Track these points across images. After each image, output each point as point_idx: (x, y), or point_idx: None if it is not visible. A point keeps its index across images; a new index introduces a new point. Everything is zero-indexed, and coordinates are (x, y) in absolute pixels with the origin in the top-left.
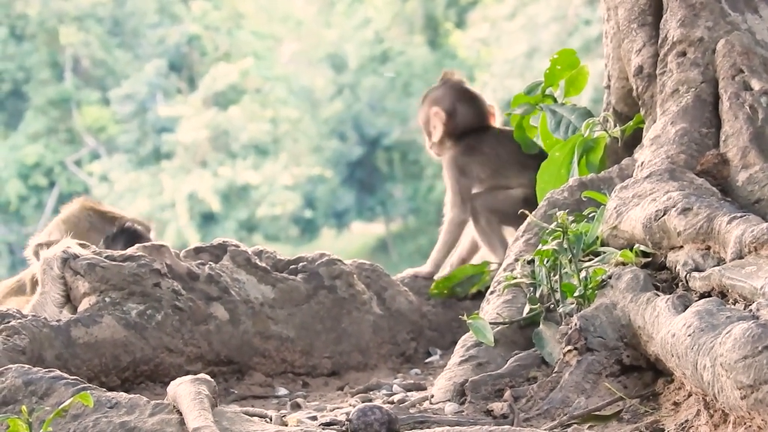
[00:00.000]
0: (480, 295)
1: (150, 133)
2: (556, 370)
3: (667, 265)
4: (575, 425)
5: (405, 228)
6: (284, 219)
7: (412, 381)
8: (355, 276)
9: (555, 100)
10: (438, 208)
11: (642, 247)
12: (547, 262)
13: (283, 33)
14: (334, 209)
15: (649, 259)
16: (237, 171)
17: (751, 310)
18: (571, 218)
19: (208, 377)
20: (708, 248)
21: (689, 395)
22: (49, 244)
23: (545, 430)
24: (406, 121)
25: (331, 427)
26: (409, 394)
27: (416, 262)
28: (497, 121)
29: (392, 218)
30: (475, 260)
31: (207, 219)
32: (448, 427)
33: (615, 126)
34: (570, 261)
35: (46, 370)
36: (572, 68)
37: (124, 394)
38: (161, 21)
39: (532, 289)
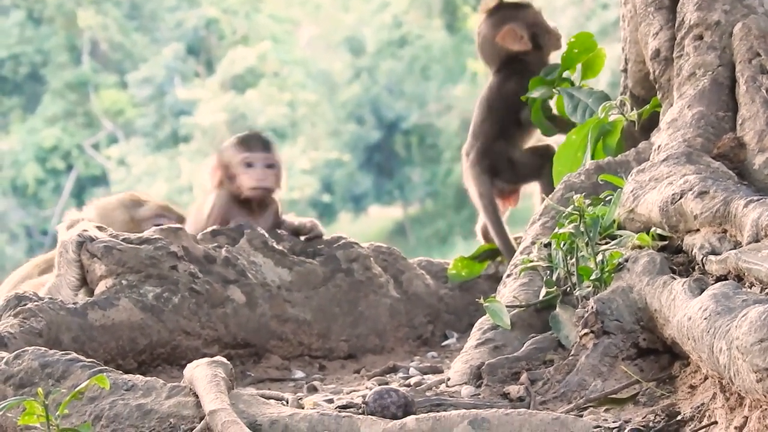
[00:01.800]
0: (496, 279)
1: (168, 116)
2: (572, 353)
3: (684, 248)
4: (591, 408)
5: (423, 212)
6: (302, 203)
7: (428, 364)
8: (371, 259)
9: (572, 84)
10: (456, 191)
11: (658, 231)
12: (564, 245)
13: (301, 16)
14: (352, 193)
15: (666, 243)
16: None
17: (767, 294)
18: (587, 201)
19: (224, 360)
20: (724, 231)
21: (705, 378)
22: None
23: (562, 413)
24: (425, 104)
25: (348, 409)
26: (425, 377)
27: (434, 246)
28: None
29: (410, 202)
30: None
31: None
32: (464, 410)
33: (632, 109)
34: (587, 244)
35: (63, 352)
36: (589, 51)
37: (141, 377)
38: (179, 4)
39: (548, 272)
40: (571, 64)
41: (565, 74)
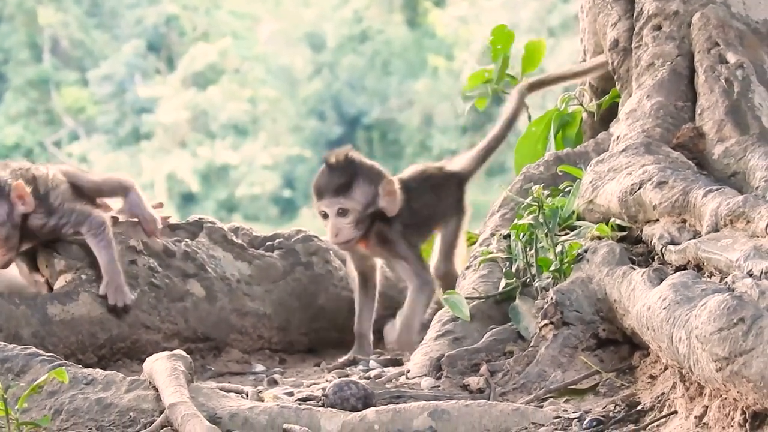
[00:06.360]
0: None
1: (129, 113)
2: (532, 344)
3: (643, 238)
4: (552, 399)
5: None
6: (263, 199)
7: (389, 356)
8: (331, 252)
9: (514, 79)
10: None
11: (618, 221)
12: (523, 236)
13: (262, 12)
14: None
15: (625, 233)
16: (216, 151)
17: (726, 283)
18: (546, 193)
19: (184, 353)
20: (684, 221)
21: (665, 368)
22: None
23: (522, 404)
24: (386, 100)
25: (308, 402)
26: (385, 369)
27: None
28: None
29: None
30: None
31: (186, 199)
32: (424, 402)
33: (591, 100)
34: (546, 235)
35: (22, 347)
36: (510, 42)
37: (100, 371)
38: (139, 1)
39: (508, 263)
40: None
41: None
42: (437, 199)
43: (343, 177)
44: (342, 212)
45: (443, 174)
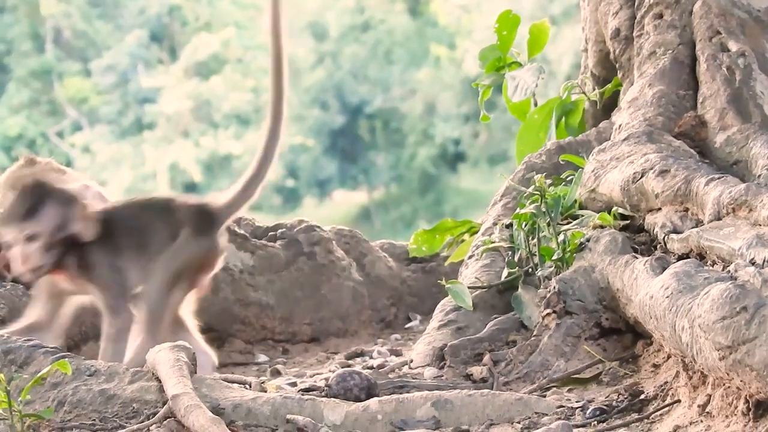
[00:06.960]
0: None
1: (132, 104)
2: (535, 333)
3: (645, 227)
4: (555, 388)
5: (388, 196)
6: (266, 188)
7: (391, 346)
8: (334, 242)
9: (521, 66)
10: (420, 175)
11: (620, 210)
12: (526, 225)
13: (264, 2)
14: (317, 178)
15: (627, 222)
16: (219, 141)
17: (729, 272)
18: (549, 181)
19: (187, 344)
20: (686, 210)
21: (668, 357)
22: None
23: (525, 393)
24: (388, 89)
25: (311, 392)
26: (388, 359)
27: (399, 230)
28: None
29: (375, 186)
30: None
31: (189, 189)
32: (427, 392)
33: (593, 89)
34: (548, 224)
35: (26, 338)
36: (516, 27)
37: (103, 362)
38: None
39: (510, 253)
40: (507, 46)
41: (520, 59)
42: (155, 228)
43: (29, 202)
44: (30, 238)
45: (168, 203)
